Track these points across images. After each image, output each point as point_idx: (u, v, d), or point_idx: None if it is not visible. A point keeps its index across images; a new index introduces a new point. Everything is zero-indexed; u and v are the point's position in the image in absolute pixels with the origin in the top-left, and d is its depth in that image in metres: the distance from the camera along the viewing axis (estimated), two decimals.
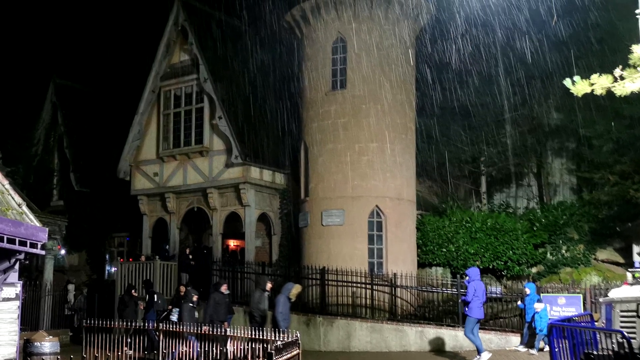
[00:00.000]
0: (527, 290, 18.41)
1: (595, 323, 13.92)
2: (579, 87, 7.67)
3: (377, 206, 23.33)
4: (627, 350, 9.77)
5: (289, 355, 11.89)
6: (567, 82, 7.71)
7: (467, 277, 16.71)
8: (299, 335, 13.03)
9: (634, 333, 10.93)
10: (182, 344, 15.41)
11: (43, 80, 34.26)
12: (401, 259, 23.23)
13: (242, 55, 27.55)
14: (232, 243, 29.19)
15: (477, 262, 23.12)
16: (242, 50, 27.78)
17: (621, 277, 20.58)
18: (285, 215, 26.78)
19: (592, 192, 25.16)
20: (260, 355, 11.90)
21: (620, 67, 7.61)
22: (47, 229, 10.77)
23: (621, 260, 22.91)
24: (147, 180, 28.22)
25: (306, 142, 24.74)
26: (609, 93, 7.83)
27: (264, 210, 26.63)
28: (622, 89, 7.60)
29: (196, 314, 17.84)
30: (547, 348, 14.93)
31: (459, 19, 24.64)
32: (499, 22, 24.98)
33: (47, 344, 13.33)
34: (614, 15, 22.42)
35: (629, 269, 19.31)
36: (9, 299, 10.71)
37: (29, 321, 20.81)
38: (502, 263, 23.53)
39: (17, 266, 10.68)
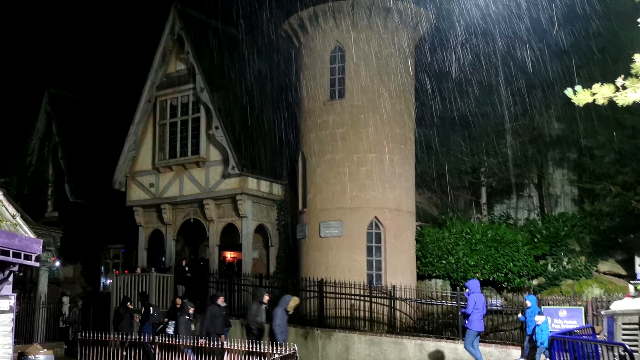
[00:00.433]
0: (528, 303, 18.22)
1: (597, 336, 13.86)
2: (580, 96, 7.55)
3: (375, 217, 23.16)
4: None
5: None
6: (569, 91, 7.60)
7: (467, 290, 16.72)
8: (296, 348, 12.96)
9: (636, 346, 10.91)
10: (179, 357, 15.34)
11: (37, 90, 34.19)
12: (400, 271, 23.06)
13: (239, 64, 27.48)
14: (229, 255, 29.10)
15: (477, 274, 22.98)
16: (239, 60, 27.72)
17: (623, 289, 20.59)
18: (283, 227, 26.66)
19: (594, 203, 24.98)
20: None
21: (623, 76, 7.51)
22: (41, 240, 10.93)
23: (623, 272, 22.76)
24: (142, 191, 28.06)
25: (304, 153, 24.56)
26: (611, 103, 7.71)
27: (261, 222, 26.51)
28: (624, 98, 7.48)
29: (192, 326, 17.83)
30: None
31: (459, 28, 24.52)
32: (499, 31, 24.89)
33: (42, 357, 13.56)
34: (616, 24, 22.32)
35: (631, 281, 19.24)
36: (2, 312, 10.70)
37: (23, 334, 20.66)
38: (503, 275, 23.40)
39: (11, 278, 10.76)
